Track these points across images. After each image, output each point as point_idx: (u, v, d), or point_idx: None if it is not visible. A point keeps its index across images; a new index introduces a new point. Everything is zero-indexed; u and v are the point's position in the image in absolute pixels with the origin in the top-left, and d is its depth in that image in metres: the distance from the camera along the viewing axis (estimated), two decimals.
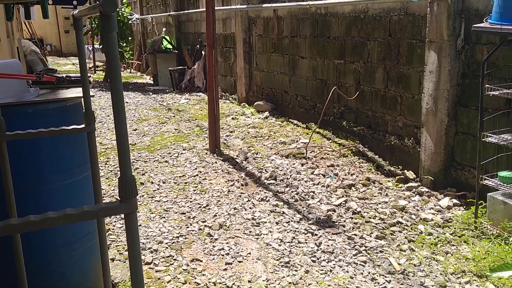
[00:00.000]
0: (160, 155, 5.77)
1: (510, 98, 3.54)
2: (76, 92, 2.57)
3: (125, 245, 3.51)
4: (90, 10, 1.33)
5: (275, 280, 3.03)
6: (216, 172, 5.10)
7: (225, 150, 5.87)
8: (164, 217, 4.02)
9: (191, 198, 4.41)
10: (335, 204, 4.16)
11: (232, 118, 7.64)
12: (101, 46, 13.91)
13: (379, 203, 4.18)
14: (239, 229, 3.76)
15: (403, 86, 4.93)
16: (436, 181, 4.43)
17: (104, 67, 16.08)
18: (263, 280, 3.03)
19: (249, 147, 5.97)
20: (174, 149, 6.03)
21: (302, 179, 4.77)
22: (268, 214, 4.01)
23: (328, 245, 3.46)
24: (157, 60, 12.22)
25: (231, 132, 6.79)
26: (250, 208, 4.15)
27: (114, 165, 5.41)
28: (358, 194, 4.38)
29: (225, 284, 3.01)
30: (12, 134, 2.01)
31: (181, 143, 6.30)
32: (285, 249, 3.43)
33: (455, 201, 4.11)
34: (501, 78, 3.76)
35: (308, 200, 4.28)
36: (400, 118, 5.02)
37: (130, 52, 15.91)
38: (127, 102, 9.50)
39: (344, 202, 4.19)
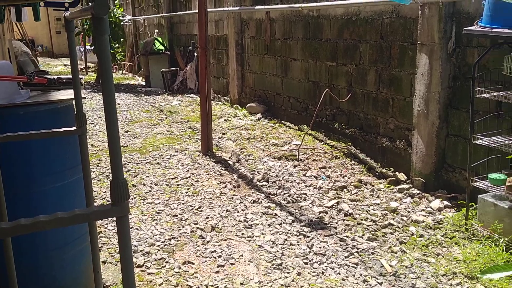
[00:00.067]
0: (152, 157, 5.76)
1: (500, 100, 3.57)
2: (67, 94, 2.56)
3: (116, 247, 3.49)
4: (82, 12, 1.32)
5: (267, 283, 3.03)
6: (208, 174, 5.09)
7: (218, 152, 5.87)
8: (156, 219, 4.00)
9: (183, 200, 4.40)
10: (327, 206, 4.17)
11: (225, 120, 7.64)
12: (92, 47, 13.85)
13: (371, 205, 4.19)
14: (231, 231, 3.76)
15: (395, 88, 4.96)
16: (427, 183, 4.46)
17: (96, 68, 16.00)
18: (256, 283, 3.03)
19: (241, 149, 5.97)
20: (166, 151, 6.02)
21: (294, 181, 4.78)
22: (261, 216, 4.01)
23: (320, 247, 3.46)
24: (149, 62, 12.19)
25: (224, 134, 6.79)
26: (242, 210, 4.15)
27: (105, 167, 5.38)
28: (350, 196, 4.39)
29: (218, 286, 3.00)
30: (3, 136, 1.99)
31: (173, 145, 6.28)
32: (277, 251, 3.43)
33: (446, 203, 4.14)
34: (491, 81, 3.79)
35: (300, 202, 4.29)
36: (392, 120, 5.04)
37: (122, 53, 15.84)
38: (118, 104, 9.46)
39: (336, 204, 4.20)
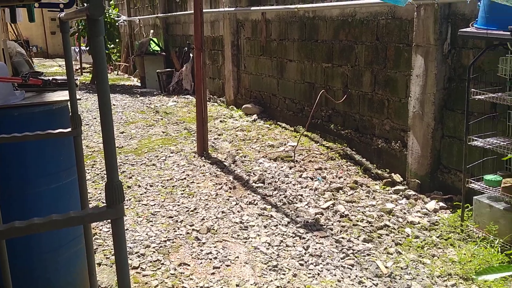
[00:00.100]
0: (148, 158, 5.74)
1: (495, 102, 3.58)
2: (62, 95, 2.55)
3: (112, 249, 3.48)
4: (77, 13, 1.32)
5: (263, 284, 3.03)
6: (204, 176, 5.08)
7: (213, 153, 5.86)
8: (152, 221, 3.99)
9: (178, 202, 4.39)
10: (323, 207, 4.17)
11: (220, 121, 7.63)
12: (87, 48, 13.81)
13: (367, 206, 4.20)
14: (227, 233, 3.75)
15: (390, 89, 4.97)
16: (423, 184, 4.46)
17: (91, 68, 15.96)
18: (251, 284, 3.03)
19: (237, 150, 5.96)
20: (162, 152, 6.00)
21: (290, 182, 4.77)
22: (256, 218, 4.00)
23: (316, 249, 3.46)
24: (144, 62, 12.16)
25: (219, 135, 6.78)
26: (238, 211, 4.15)
27: (101, 168, 5.36)
28: (345, 197, 4.39)
29: None
30: None
31: (169, 146, 6.27)
32: (273, 252, 3.42)
33: (441, 204, 4.14)
34: (486, 82, 3.80)
35: (296, 203, 4.29)
36: (387, 122, 5.05)
37: (117, 54, 15.81)
38: (114, 105, 9.44)
39: (331, 205, 4.20)
